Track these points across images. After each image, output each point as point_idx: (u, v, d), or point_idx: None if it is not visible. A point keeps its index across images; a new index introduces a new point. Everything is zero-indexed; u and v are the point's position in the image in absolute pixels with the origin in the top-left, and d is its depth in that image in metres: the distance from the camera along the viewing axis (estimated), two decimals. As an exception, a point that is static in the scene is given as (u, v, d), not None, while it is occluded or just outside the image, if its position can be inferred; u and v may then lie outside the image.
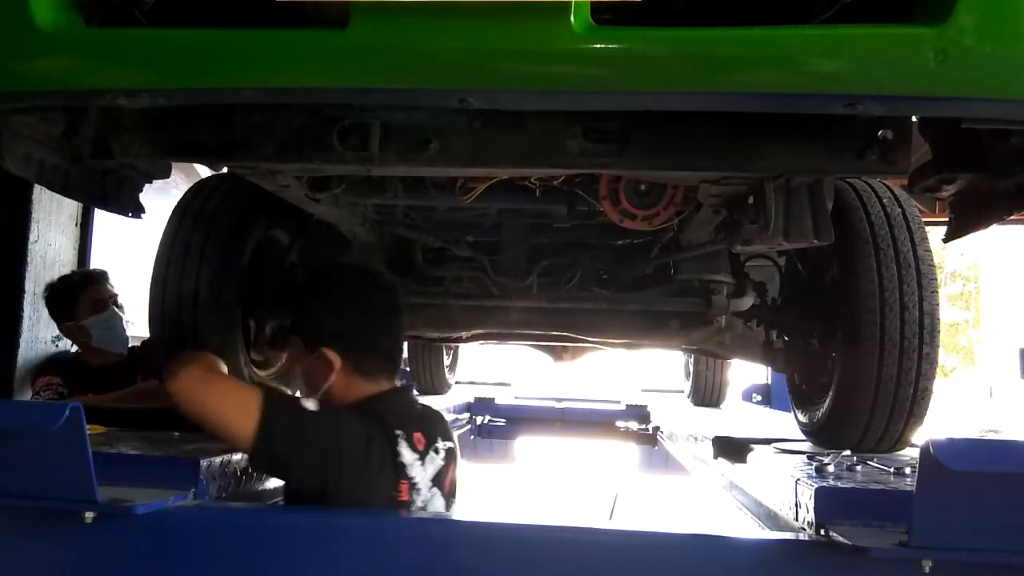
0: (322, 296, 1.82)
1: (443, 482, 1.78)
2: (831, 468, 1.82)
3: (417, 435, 1.74)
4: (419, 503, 1.71)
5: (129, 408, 2.76)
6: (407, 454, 1.70)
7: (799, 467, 1.84)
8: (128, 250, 3.80)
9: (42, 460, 1.38)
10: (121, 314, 3.05)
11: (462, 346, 5.49)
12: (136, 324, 2.87)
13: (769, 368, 4.42)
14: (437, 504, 1.75)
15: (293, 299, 2.04)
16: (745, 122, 1.57)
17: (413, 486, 1.70)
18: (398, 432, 1.70)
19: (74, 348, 3.60)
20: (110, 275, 3.16)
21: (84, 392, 2.92)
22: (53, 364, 3.19)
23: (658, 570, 1.41)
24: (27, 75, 1.40)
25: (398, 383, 1.86)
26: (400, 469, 1.68)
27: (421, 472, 1.72)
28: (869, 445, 2.14)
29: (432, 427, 1.83)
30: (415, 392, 2.06)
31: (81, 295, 3.03)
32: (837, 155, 1.58)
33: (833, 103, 1.33)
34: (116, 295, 3.09)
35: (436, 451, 1.78)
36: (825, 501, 1.52)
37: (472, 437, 5.64)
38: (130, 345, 3.12)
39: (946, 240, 1.97)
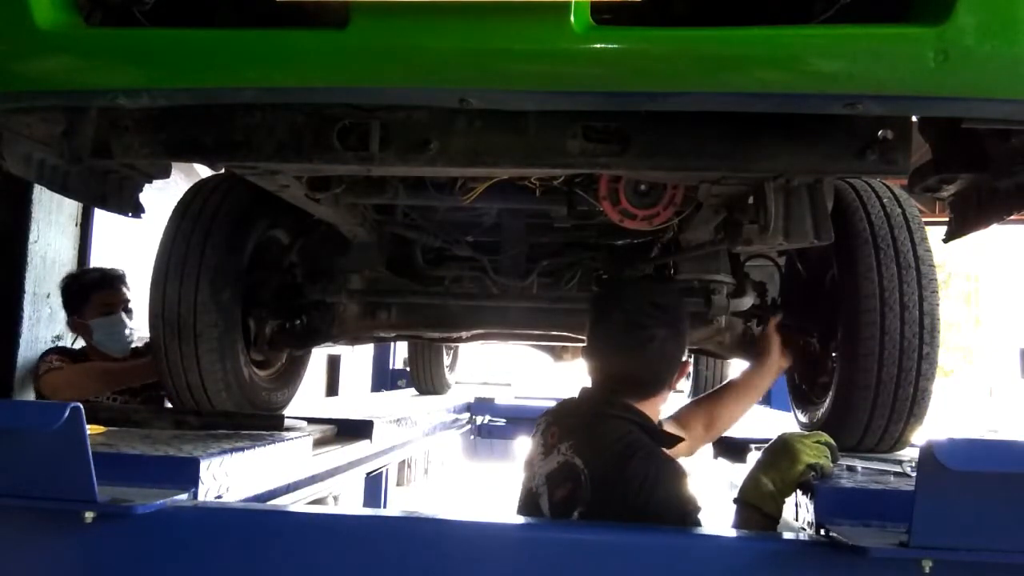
0: None
1: (556, 488, 1.75)
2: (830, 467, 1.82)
3: (554, 430, 1.83)
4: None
5: (129, 408, 2.77)
6: (533, 443, 1.86)
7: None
8: (128, 250, 3.80)
9: (42, 460, 1.38)
10: (128, 320, 3.05)
11: (462, 346, 5.49)
12: (140, 330, 2.86)
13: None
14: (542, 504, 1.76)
15: None
16: (745, 122, 1.57)
17: (533, 476, 1.82)
18: (540, 423, 1.90)
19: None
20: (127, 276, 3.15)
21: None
22: (59, 349, 3.20)
23: (658, 570, 1.41)
24: (27, 75, 1.40)
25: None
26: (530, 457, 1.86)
27: (541, 465, 1.80)
28: (869, 445, 2.14)
29: (577, 431, 1.78)
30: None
31: (93, 295, 3.03)
32: (837, 155, 1.58)
33: (833, 103, 1.33)
34: (128, 300, 3.08)
35: (560, 452, 1.77)
36: (825, 501, 1.52)
37: (472, 437, 5.64)
38: (133, 346, 3.12)
39: (946, 240, 1.97)
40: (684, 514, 1.60)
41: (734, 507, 1.65)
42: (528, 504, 1.80)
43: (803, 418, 2.46)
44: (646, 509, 1.58)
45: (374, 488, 5.18)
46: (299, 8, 1.30)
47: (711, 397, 2.32)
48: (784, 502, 1.61)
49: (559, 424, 1.83)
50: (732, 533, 1.55)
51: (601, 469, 1.67)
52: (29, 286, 3.37)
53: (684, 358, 1.85)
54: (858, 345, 2.07)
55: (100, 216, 3.79)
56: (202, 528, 1.48)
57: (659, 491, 1.61)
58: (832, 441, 1.68)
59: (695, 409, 2.24)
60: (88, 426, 1.35)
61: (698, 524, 1.59)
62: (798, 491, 1.64)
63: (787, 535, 1.59)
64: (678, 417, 2.18)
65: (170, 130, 1.69)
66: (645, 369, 1.80)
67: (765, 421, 4.00)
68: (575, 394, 1.92)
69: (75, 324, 3.10)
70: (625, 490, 1.61)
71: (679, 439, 1.84)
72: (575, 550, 1.44)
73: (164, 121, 1.68)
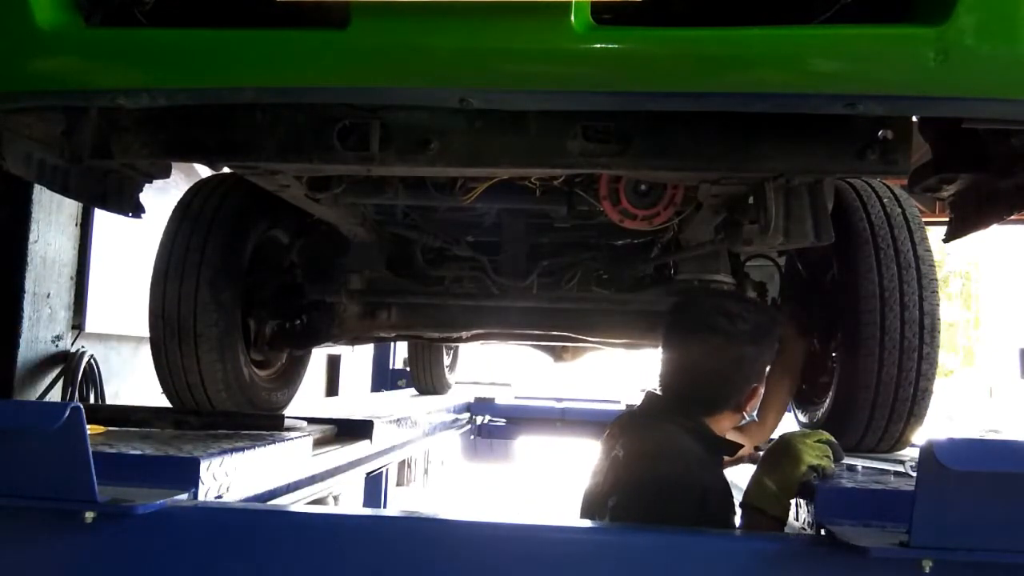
0: None
1: (604, 481, 1.76)
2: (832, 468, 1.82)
3: (615, 432, 1.83)
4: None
5: (129, 408, 2.77)
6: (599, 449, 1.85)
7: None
8: (128, 250, 3.80)
9: (42, 460, 1.38)
10: None
11: (462, 346, 5.49)
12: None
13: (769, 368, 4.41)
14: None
15: None
16: (745, 122, 1.57)
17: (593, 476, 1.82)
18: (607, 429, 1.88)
19: (75, 348, 3.61)
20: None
21: None
22: None
23: (658, 570, 1.41)
24: (27, 75, 1.40)
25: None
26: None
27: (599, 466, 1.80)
28: (869, 445, 2.14)
29: (631, 431, 1.80)
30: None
31: None
32: (837, 155, 1.58)
33: (833, 103, 1.33)
34: None
35: (614, 450, 1.77)
36: (825, 501, 1.52)
37: (472, 437, 5.64)
38: None
39: (946, 240, 1.97)
40: (701, 520, 1.57)
41: (739, 511, 1.65)
42: (587, 506, 1.80)
43: (803, 418, 2.46)
44: (668, 508, 1.57)
45: (374, 488, 5.17)
46: (299, 8, 1.30)
47: None
48: (789, 503, 1.61)
49: (620, 427, 1.84)
50: (732, 533, 1.55)
51: (637, 464, 1.68)
52: (29, 286, 3.37)
53: (755, 383, 1.79)
54: (858, 345, 2.07)
55: (100, 216, 3.79)
56: (202, 528, 1.48)
57: (685, 492, 1.59)
58: (834, 439, 1.67)
59: None
60: (88, 426, 1.35)
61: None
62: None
63: (787, 535, 1.59)
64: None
65: (170, 130, 1.69)
66: (701, 382, 1.76)
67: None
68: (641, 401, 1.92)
69: None
70: (652, 487, 1.61)
71: (736, 445, 1.80)
72: (576, 550, 1.44)
73: (164, 121, 1.68)
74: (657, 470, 1.63)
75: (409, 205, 2.54)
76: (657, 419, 1.77)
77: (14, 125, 1.64)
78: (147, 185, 2.05)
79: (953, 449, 1.18)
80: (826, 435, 1.68)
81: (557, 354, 4.24)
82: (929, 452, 1.18)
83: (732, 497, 1.67)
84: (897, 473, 1.77)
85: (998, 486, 1.22)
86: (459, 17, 1.24)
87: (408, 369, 5.80)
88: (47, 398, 3.44)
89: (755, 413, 2.14)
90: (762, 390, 1.82)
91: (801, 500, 1.63)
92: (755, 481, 1.62)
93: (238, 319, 2.48)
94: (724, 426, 1.80)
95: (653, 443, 1.70)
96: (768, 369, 2.28)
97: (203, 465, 1.64)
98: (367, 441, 2.79)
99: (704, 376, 1.76)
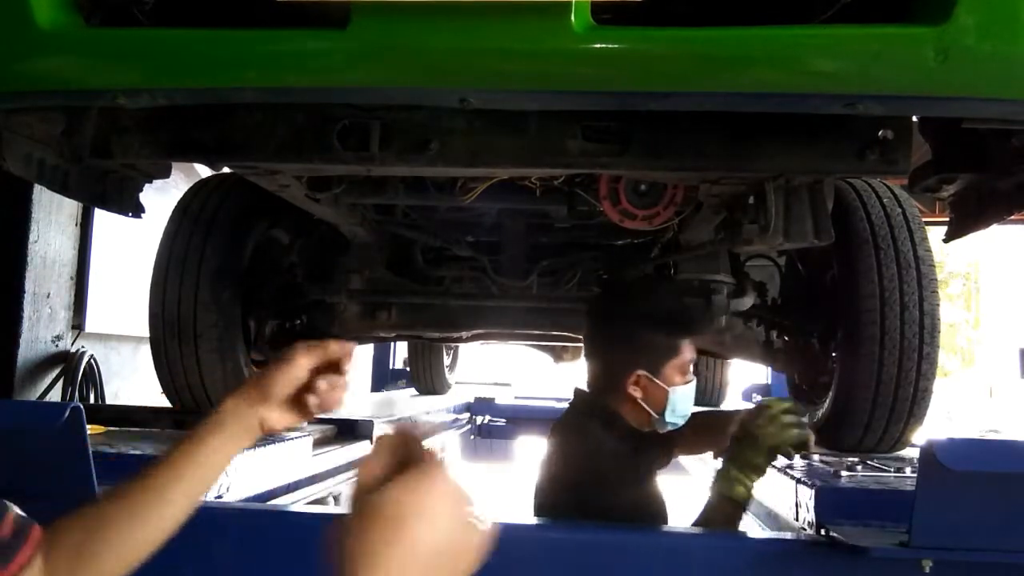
0: None
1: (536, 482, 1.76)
2: (831, 468, 1.82)
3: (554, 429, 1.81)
4: None
5: (129, 408, 2.77)
6: None
7: (799, 467, 1.84)
8: (128, 249, 3.80)
9: (42, 460, 1.38)
10: None
11: (462, 346, 5.49)
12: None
13: (769, 368, 4.42)
14: None
15: None
16: (745, 122, 1.57)
17: None
18: None
19: (75, 348, 3.61)
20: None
21: None
22: None
23: (658, 569, 1.41)
24: (27, 75, 1.40)
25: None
26: None
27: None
28: (869, 445, 2.14)
29: (555, 429, 1.80)
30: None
31: None
32: (837, 155, 1.58)
33: (833, 103, 1.33)
34: None
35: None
36: (825, 501, 1.52)
37: (472, 437, 5.64)
38: None
39: (946, 240, 1.97)
40: (625, 517, 1.56)
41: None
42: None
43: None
44: (583, 508, 1.57)
45: (374, 488, 5.14)
46: (299, 8, 1.30)
47: None
48: (753, 486, 1.56)
49: (552, 428, 1.83)
50: (732, 533, 1.55)
51: (551, 466, 1.69)
52: (29, 286, 3.38)
53: (640, 371, 1.63)
54: (858, 345, 2.07)
55: (100, 216, 3.79)
56: (202, 528, 1.47)
57: (592, 493, 1.59)
58: (799, 407, 1.61)
59: None
60: (88, 426, 1.35)
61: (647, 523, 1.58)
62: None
63: (787, 535, 1.60)
64: None
65: (170, 130, 1.69)
66: (596, 360, 1.75)
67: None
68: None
69: None
70: (564, 487, 1.63)
71: (635, 433, 1.68)
72: (575, 550, 1.44)
73: (164, 121, 1.68)
74: (565, 471, 1.66)
75: (409, 205, 2.54)
76: (577, 418, 1.76)
77: (14, 125, 1.64)
78: (147, 185, 2.05)
79: (953, 449, 1.18)
80: (789, 404, 1.60)
81: (557, 354, 4.24)
82: (929, 452, 1.18)
83: (650, 505, 1.65)
84: (897, 473, 1.77)
85: (998, 486, 1.22)
86: (459, 17, 1.24)
87: (408, 369, 5.80)
88: (47, 398, 3.44)
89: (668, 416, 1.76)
90: (655, 386, 1.64)
91: (801, 500, 1.63)
92: (721, 468, 1.60)
93: (238, 319, 2.48)
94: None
95: (562, 460, 1.70)
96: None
97: (203, 465, 1.63)
98: (367, 441, 2.79)
99: (599, 351, 1.74)
